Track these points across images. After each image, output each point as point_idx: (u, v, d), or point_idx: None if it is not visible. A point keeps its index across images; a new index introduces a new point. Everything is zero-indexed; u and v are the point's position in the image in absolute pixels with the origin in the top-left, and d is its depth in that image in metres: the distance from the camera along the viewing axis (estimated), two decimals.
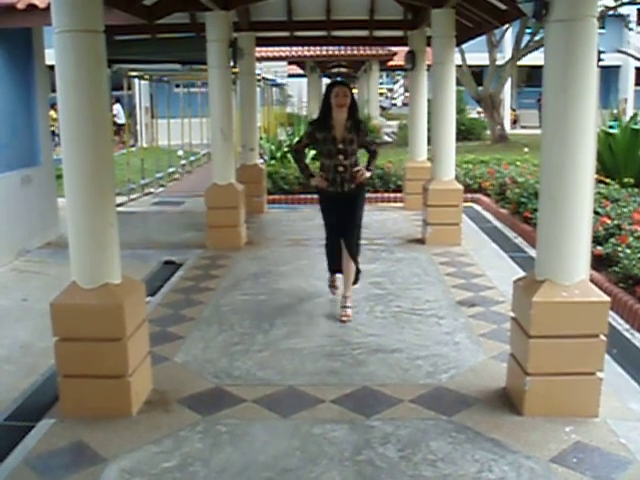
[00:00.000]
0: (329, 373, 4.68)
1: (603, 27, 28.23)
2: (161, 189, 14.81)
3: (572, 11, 3.74)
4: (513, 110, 33.39)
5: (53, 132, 12.88)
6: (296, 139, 9.31)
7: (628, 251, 6.60)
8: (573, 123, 3.83)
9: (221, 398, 4.31)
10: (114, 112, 22.91)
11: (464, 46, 13.70)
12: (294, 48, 20.68)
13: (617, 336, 5.45)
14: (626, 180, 10.59)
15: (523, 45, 21.88)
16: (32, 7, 7.55)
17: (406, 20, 10.72)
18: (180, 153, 18.35)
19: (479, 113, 26.48)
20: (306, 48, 21.06)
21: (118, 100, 21.90)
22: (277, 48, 19.46)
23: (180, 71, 14.69)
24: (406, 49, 11.15)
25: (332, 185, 5.78)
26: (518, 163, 14.01)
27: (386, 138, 23.67)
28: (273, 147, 15.37)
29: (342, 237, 5.91)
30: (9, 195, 8.29)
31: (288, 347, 5.05)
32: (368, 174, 5.85)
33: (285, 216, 10.84)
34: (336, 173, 5.75)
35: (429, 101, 9.90)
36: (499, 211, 10.75)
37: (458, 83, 12.00)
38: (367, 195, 6.30)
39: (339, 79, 6.74)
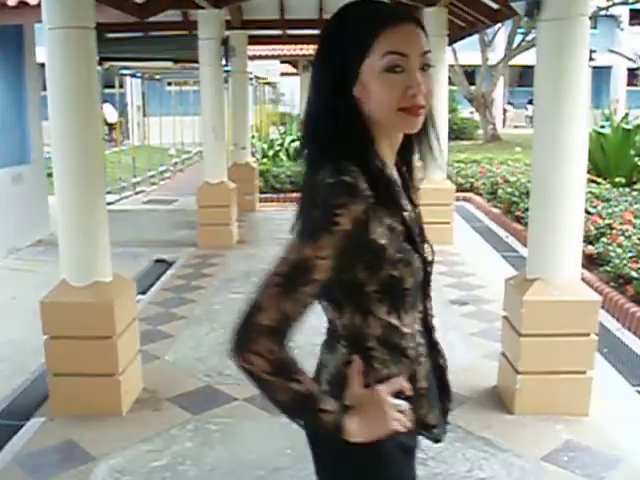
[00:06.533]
0: None
1: (595, 27, 28.31)
2: (153, 187, 14.77)
3: (564, 10, 3.74)
4: (505, 110, 33.42)
5: None
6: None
7: (619, 250, 6.61)
8: (565, 122, 3.83)
9: (212, 397, 4.30)
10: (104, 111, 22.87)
11: (456, 45, 13.71)
12: (287, 47, 20.63)
13: (608, 335, 5.46)
14: (617, 180, 10.63)
15: (515, 45, 21.92)
16: (23, 4, 7.50)
17: None
18: (172, 151, 18.32)
19: (471, 113, 26.51)
20: (299, 47, 21.02)
21: (106, 100, 21.87)
22: (269, 47, 19.38)
23: (172, 69, 14.67)
24: None
25: (431, 408, 1.60)
26: (510, 162, 14.04)
27: None
28: (265, 146, 15.35)
29: None
30: (0, 193, 8.24)
31: None
32: None
33: (277, 215, 10.82)
34: (440, 353, 1.66)
35: None
36: (491, 210, 10.76)
37: (450, 82, 12.01)
38: None
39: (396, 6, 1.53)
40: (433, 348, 1.60)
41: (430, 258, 1.56)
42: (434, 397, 1.59)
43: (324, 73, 1.48)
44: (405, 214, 1.49)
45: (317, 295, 1.42)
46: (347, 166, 1.40)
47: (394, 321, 1.49)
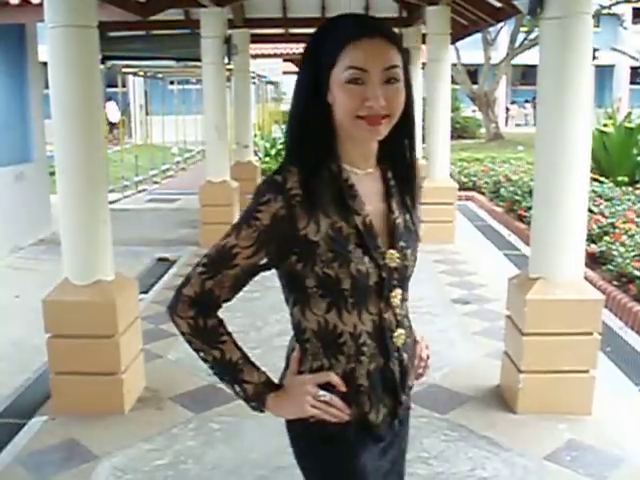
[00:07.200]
0: None
1: (598, 26, 28.23)
2: (155, 186, 14.78)
3: (567, 8, 3.73)
4: (507, 109, 33.38)
5: None
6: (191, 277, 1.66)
7: (622, 249, 6.60)
8: (568, 121, 3.81)
9: (214, 395, 4.29)
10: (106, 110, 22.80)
11: (459, 44, 13.70)
12: (289, 45, 20.62)
13: (611, 334, 5.45)
14: (620, 178, 10.61)
15: (518, 43, 21.89)
16: (25, 2, 7.52)
17: (401, 17, 10.71)
18: (174, 150, 18.32)
19: (474, 111, 26.48)
20: (301, 45, 21.01)
21: (110, 98, 21.84)
22: (272, 45, 19.37)
23: (175, 68, 14.69)
24: None
25: (373, 407, 1.63)
26: (512, 161, 14.03)
27: None
28: (267, 144, 15.36)
29: None
30: (2, 192, 8.25)
31: (281, 344, 4.97)
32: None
33: None
34: (393, 356, 1.65)
35: (424, 99, 9.91)
36: (493, 209, 10.75)
37: (453, 81, 11.99)
38: None
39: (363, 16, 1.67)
40: (385, 351, 1.63)
41: (394, 264, 1.61)
42: (378, 397, 1.64)
43: (303, 80, 1.59)
44: (358, 218, 1.57)
45: (244, 276, 1.60)
46: (288, 166, 1.56)
47: (332, 318, 1.59)
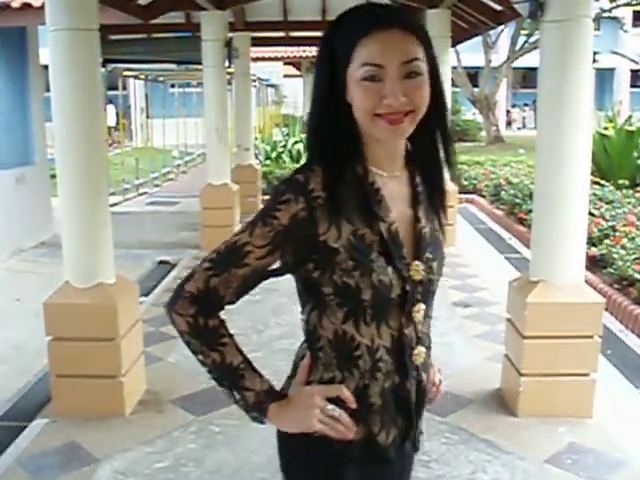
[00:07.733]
0: None
1: (598, 29, 28.26)
2: (156, 189, 14.79)
3: (567, 11, 3.74)
4: (508, 112, 33.42)
5: None
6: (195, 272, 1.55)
7: (622, 252, 6.61)
8: (568, 124, 3.82)
9: (215, 398, 4.28)
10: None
11: (459, 47, 13.71)
12: (290, 48, 20.64)
13: (611, 337, 5.45)
14: (621, 181, 10.60)
15: (519, 46, 21.93)
16: (27, 6, 7.54)
17: None
18: (175, 153, 18.33)
19: (474, 114, 26.51)
20: (302, 48, 21.03)
21: (111, 101, 21.80)
22: (272, 48, 19.40)
23: (175, 71, 14.70)
24: None
25: (384, 428, 1.53)
26: (513, 164, 14.03)
27: None
28: (268, 147, 15.36)
29: None
30: (3, 194, 8.26)
31: (282, 347, 5.02)
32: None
33: None
34: (411, 375, 1.55)
35: None
36: (494, 212, 10.75)
37: (453, 84, 11.99)
38: None
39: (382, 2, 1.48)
40: (403, 369, 1.52)
41: (419, 277, 1.50)
42: (390, 417, 1.53)
43: (318, 80, 1.50)
44: (383, 225, 1.46)
45: (253, 278, 1.49)
46: (311, 166, 1.46)
47: (349, 329, 1.48)
